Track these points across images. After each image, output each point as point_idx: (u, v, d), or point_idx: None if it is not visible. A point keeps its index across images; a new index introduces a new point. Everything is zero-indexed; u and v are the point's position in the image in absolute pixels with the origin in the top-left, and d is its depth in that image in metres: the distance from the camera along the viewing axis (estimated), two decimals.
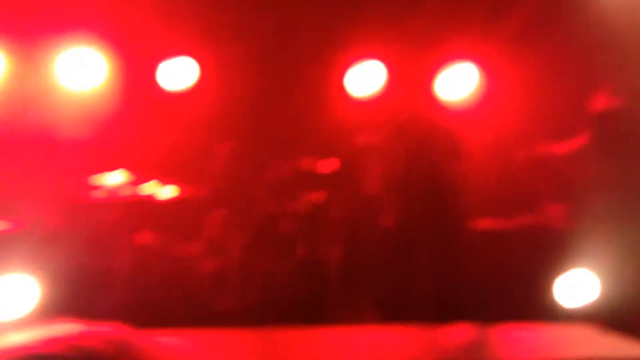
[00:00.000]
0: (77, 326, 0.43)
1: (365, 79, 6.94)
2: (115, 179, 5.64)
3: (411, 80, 6.74)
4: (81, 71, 6.50)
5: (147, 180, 5.72)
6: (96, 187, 5.69)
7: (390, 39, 6.73)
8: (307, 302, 5.50)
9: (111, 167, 5.71)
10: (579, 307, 5.59)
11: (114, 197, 5.64)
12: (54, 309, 4.76)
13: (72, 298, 4.91)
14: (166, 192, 5.77)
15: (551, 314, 5.36)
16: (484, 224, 6.10)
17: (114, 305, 5.15)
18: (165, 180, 5.81)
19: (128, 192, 5.65)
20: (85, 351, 0.45)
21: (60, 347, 0.46)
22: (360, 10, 6.61)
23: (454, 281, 5.55)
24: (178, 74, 6.76)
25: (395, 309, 5.48)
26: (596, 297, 5.59)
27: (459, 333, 4.34)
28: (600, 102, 5.70)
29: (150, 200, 5.70)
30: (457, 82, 6.70)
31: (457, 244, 5.66)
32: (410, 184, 5.79)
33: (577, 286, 5.69)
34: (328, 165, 6.08)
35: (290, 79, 6.83)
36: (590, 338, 3.95)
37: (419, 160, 5.78)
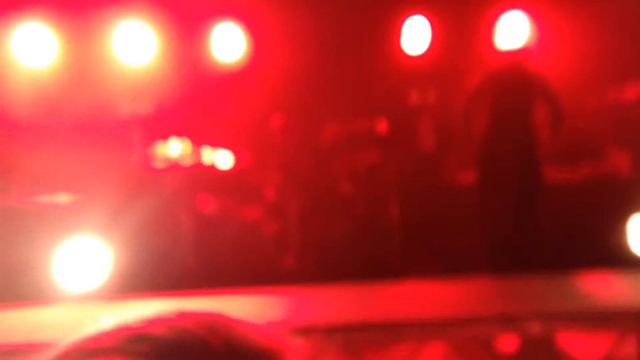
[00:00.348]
0: (174, 307, 0.47)
1: (420, 35, 6.83)
2: (176, 148, 5.81)
3: (469, 33, 6.62)
4: (135, 45, 6.65)
5: (207, 148, 5.88)
6: (159, 157, 5.88)
7: None
8: (369, 260, 5.61)
9: (172, 137, 5.89)
10: None
11: (176, 166, 5.82)
12: (125, 274, 4.99)
13: (141, 264, 5.13)
14: (226, 159, 5.92)
15: (624, 261, 5.32)
16: (557, 173, 6.09)
17: (181, 269, 5.36)
18: (224, 147, 5.96)
19: (189, 160, 5.82)
20: (186, 332, 0.49)
21: (160, 328, 0.50)
22: None
23: (529, 232, 5.57)
24: (231, 43, 6.85)
25: (468, 261, 5.52)
26: None
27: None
28: None
29: (211, 168, 5.87)
30: (516, 31, 6.46)
31: (533, 194, 5.66)
32: (489, 136, 5.80)
33: None
34: (384, 125, 6.13)
35: (345, 41, 6.84)
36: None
37: (502, 109, 5.78)
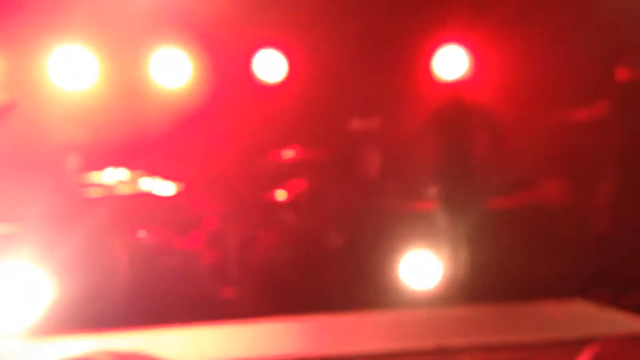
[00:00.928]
0: (101, 347, 0.45)
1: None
2: (113, 176, 5.69)
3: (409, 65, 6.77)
4: (73, 70, 6.55)
5: (144, 176, 5.77)
6: (94, 184, 5.75)
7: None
8: (308, 290, 5.57)
9: (108, 165, 5.76)
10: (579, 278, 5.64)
11: (112, 193, 5.69)
12: (56, 310, 4.83)
13: (75, 294, 4.98)
14: (164, 188, 5.82)
15: (550, 290, 5.42)
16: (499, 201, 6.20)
17: (113, 304, 5.22)
18: (163, 176, 5.86)
19: (126, 189, 5.71)
20: None
21: None
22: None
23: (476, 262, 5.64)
24: (174, 68, 6.79)
25: (409, 291, 5.54)
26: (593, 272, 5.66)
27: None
28: (621, 74, 5.75)
29: (149, 196, 5.76)
30: (453, 63, 6.68)
31: (478, 223, 5.73)
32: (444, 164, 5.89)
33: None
34: (325, 154, 6.13)
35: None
36: (587, 314, 4.01)
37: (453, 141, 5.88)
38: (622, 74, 5.75)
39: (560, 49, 6.65)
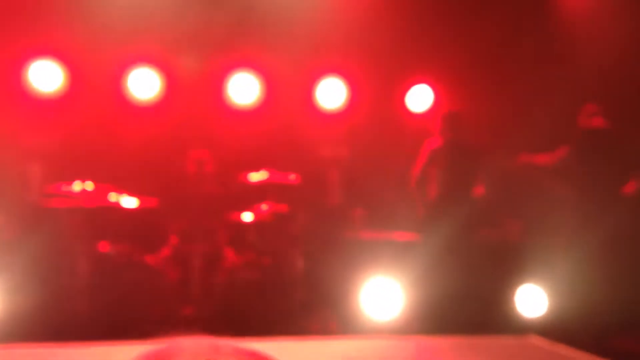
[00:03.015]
0: None
1: (331, 93, 7.13)
2: (79, 187, 5.65)
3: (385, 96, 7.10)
4: (44, 79, 6.54)
5: (111, 190, 5.74)
6: (61, 194, 5.70)
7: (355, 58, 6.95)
8: (267, 312, 5.57)
9: (75, 176, 5.72)
10: (533, 318, 5.75)
11: (78, 204, 5.65)
12: (15, 321, 4.76)
13: (35, 305, 4.91)
14: (130, 202, 5.80)
15: (508, 325, 5.51)
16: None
17: (72, 317, 5.16)
18: (129, 190, 5.83)
19: (93, 200, 5.67)
20: None
21: None
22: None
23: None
24: (143, 84, 6.81)
25: (363, 318, 5.58)
26: (546, 311, 5.77)
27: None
28: (583, 121, 5.93)
29: (114, 210, 5.73)
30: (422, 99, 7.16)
31: (443, 254, 5.81)
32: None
33: (531, 299, 5.86)
34: (293, 177, 6.17)
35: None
36: (538, 350, 4.09)
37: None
38: (582, 121, 5.94)
39: (523, 98, 6.89)
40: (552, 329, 5.10)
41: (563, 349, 3.99)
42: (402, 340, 4.62)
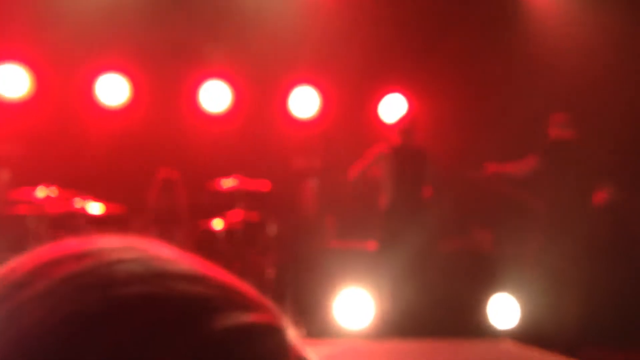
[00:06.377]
0: None
1: (304, 102, 7.09)
2: (43, 193, 5.51)
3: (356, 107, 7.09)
4: (10, 84, 6.42)
5: (76, 195, 5.61)
6: (23, 200, 5.56)
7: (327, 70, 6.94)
8: None
9: (40, 182, 5.59)
10: (504, 329, 5.71)
11: (42, 211, 5.51)
12: None
13: None
14: (95, 208, 5.67)
15: (480, 335, 5.46)
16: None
17: None
18: (95, 196, 5.71)
19: (58, 206, 5.53)
20: None
21: None
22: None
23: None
24: (111, 89, 6.72)
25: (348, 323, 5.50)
26: (518, 321, 5.74)
27: None
28: (551, 131, 5.94)
29: (79, 215, 5.59)
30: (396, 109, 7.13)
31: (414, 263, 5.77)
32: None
33: (503, 309, 5.83)
34: (264, 185, 6.09)
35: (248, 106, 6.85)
36: (511, 353, 4.05)
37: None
38: (551, 131, 5.95)
39: (493, 108, 6.93)
40: (524, 339, 5.05)
41: (536, 353, 3.95)
42: (375, 344, 4.54)
